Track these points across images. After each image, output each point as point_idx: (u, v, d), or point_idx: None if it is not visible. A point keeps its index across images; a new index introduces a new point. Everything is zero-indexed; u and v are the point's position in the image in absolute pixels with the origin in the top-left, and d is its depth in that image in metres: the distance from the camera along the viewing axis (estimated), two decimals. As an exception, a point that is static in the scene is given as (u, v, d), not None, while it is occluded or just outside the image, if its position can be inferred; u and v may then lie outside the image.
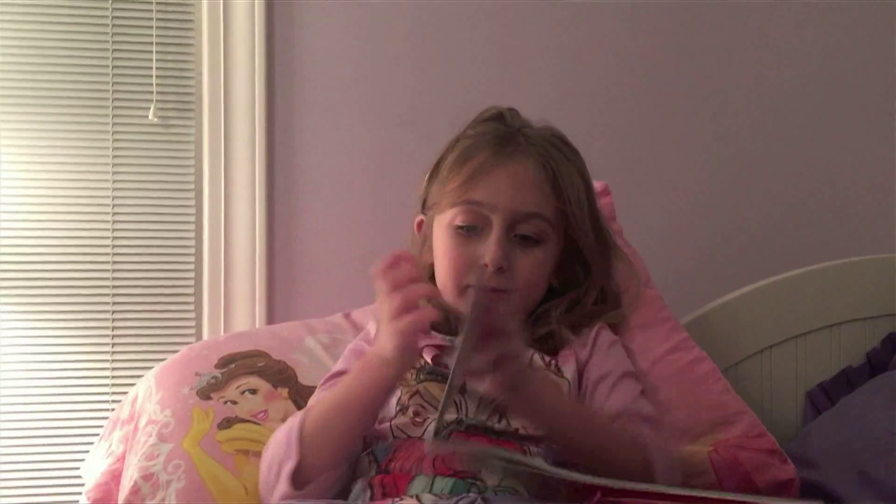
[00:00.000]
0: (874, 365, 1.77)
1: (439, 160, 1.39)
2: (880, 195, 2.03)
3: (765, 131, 2.01)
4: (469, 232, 1.32)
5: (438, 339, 1.33)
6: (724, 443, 1.49)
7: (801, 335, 1.80)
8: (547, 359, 1.34)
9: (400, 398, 1.26)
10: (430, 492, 1.17)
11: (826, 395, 1.76)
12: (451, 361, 1.07)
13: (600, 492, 1.07)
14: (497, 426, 1.24)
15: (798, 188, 2.01)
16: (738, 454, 1.47)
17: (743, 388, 1.70)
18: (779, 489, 1.46)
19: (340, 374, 1.31)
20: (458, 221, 1.32)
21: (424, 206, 1.41)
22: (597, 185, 1.64)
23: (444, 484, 1.16)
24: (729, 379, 1.66)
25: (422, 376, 1.29)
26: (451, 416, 1.13)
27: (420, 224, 1.42)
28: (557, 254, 1.37)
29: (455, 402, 1.27)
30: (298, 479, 1.15)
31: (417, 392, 1.26)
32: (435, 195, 1.37)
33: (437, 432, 1.14)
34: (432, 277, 1.40)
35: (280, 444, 1.19)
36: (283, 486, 1.16)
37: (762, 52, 2.01)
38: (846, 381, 1.76)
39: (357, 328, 1.58)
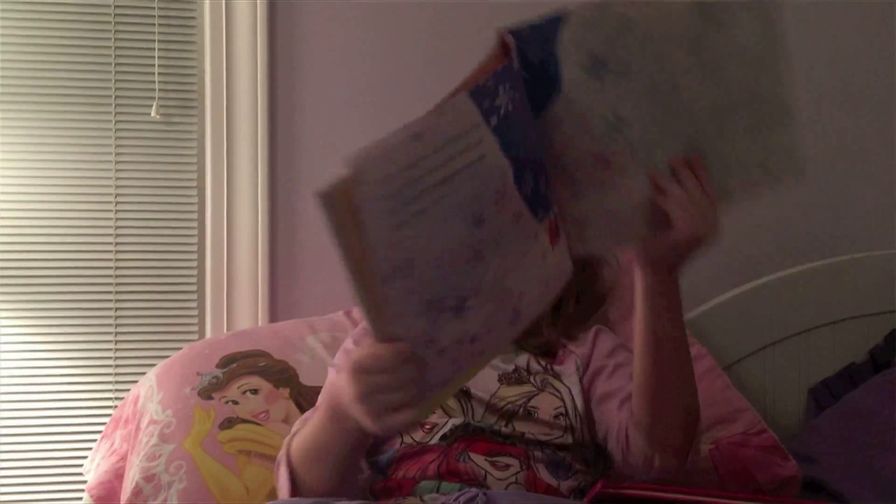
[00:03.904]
0: (877, 362, 1.77)
1: None
2: (882, 192, 2.02)
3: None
4: None
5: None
6: (724, 440, 1.49)
7: (803, 332, 1.80)
8: (544, 363, 1.34)
9: None
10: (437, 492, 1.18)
11: (829, 391, 1.76)
12: None
13: (601, 483, 1.08)
14: (504, 430, 1.24)
15: (800, 185, 1.99)
16: (739, 451, 1.47)
17: (745, 386, 1.70)
18: (780, 486, 1.46)
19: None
20: None
21: None
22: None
23: (449, 489, 1.17)
24: (731, 376, 1.66)
25: None
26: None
27: None
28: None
29: (461, 405, 1.27)
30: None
31: None
32: None
33: None
34: None
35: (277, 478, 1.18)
36: None
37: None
38: (849, 378, 1.76)
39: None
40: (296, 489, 1.13)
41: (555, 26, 0.98)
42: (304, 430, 1.14)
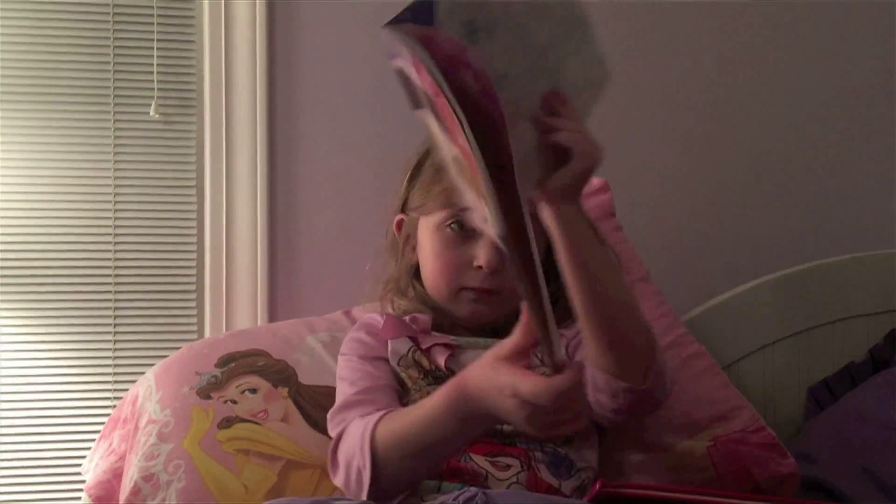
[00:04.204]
0: (877, 361, 1.77)
1: (419, 161, 1.39)
2: (883, 191, 2.02)
3: (767, 128, 2.00)
4: (461, 232, 1.32)
5: (447, 338, 1.33)
6: (723, 437, 1.48)
7: (803, 331, 1.80)
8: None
9: (411, 401, 1.26)
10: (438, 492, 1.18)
11: (829, 390, 1.75)
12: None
13: (600, 483, 1.08)
14: (505, 428, 1.24)
15: (800, 184, 2.00)
16: (737, 449, 1.47)
17: (745, 385, 1.70)
18: (779, 483, 1.45)
19: (370, 388, 1.28)
20: (452, 224, 1.32)
21: (405, 207, 1.41)
22: (596, 181, 1.64)
23: (450, 489, 1.17)
24: (731, 375, 1.66)
25: (430, 379, 1.29)
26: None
27: (399, 224, 1.42)
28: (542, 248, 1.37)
29: None
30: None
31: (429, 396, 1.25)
32: (419, 197, 1.37)
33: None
34: (416, 277, 1.40)
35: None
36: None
37: (762, 48, 2.00)
38: (849, 378, 1.76)
39: (357, 326, 1.57)
40: (377, 477, 1.15)
41: (429, 7, 1.01)
42: (404, 424, 1.15)
